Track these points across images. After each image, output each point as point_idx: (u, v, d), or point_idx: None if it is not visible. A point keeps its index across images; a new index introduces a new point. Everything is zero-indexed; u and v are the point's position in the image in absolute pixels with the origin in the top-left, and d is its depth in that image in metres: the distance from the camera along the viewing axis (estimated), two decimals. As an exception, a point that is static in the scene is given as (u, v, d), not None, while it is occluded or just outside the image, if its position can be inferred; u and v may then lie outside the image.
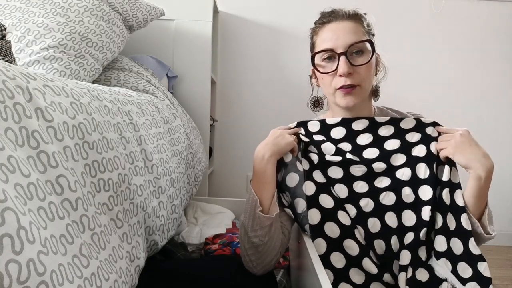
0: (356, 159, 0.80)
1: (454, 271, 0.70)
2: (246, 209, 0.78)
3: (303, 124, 0.87)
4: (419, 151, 0.79)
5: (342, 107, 0.82)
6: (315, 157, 0.82)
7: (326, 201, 0.77)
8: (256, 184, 0.78)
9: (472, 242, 0.70)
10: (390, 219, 0.77)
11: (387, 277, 0.73)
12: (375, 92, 0.86)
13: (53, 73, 0.99)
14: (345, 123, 0.83)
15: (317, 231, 0.75)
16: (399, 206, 0.77)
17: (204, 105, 1.68)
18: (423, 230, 0.73)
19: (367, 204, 0.78)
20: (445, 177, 0.75)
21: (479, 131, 2.04)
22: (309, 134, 0.85)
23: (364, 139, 0.82)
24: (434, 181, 0.76)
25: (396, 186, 0.78)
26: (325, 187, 0.79)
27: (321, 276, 0.61)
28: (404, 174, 0.78)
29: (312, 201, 0.77)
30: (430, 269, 0.73)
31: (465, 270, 0.70)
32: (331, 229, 0.75)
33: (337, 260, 0.73)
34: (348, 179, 0.80)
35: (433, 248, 0.74)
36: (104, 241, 0.53)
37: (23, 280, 0.33)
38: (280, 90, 2.04)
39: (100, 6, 1.19)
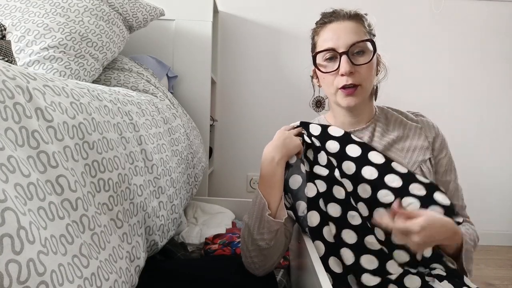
0: (340, 179, 0.77)
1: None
2: (252, 211, 0.77)
3: (305, 125, 0.87)
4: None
5: (343, 107, 0.82)
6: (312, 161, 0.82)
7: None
8: (264, 186, 0.77)
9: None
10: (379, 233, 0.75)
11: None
12: (375, 92, 0.87)
13: (53, 73, 0.99)
14: (343, 140, 0.81)
15: (316, 234, 0.75)
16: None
17: (204, 105, 1.68)
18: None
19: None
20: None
21: (479, 131, 2.05)
22: (309, 136, 0.85)
23: (351, 160, 0.79)
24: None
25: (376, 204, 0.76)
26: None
27: (321, 276, 0.61)
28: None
29: (312, 203, 0.77)
30: (423, 276, 0.71)
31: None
32: (329, 233, 0.75)
33: (335, 264, 0.73)
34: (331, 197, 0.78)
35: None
36: (104, 241, 0.53)
37: (23, 280, 0.33)
38: (280, 90, 2.04)
39: (100, 6, 1.19)
